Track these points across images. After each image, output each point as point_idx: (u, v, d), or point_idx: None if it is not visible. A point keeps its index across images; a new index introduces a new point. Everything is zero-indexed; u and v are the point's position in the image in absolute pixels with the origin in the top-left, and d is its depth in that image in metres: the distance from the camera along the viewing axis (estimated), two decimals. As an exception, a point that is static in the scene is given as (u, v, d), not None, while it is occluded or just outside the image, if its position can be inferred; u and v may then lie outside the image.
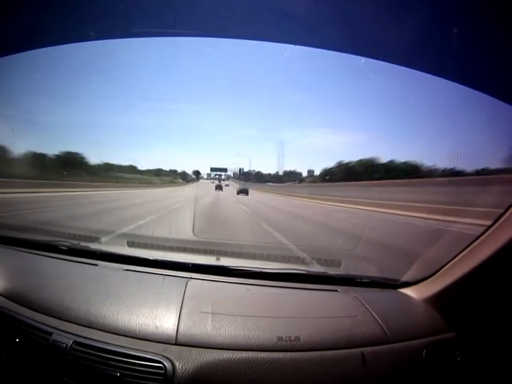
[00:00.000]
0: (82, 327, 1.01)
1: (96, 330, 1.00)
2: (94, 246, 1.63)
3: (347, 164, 19.84)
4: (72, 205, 9.48)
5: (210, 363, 0.91)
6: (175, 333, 0.97)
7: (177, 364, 0.89)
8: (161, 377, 0.88)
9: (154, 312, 1.05)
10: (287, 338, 0.98)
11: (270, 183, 24.74)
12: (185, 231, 5.05)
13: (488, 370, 1.04)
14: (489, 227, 1.03)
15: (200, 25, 1.39)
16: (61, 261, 1.43)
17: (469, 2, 1.07)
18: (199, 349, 0.94)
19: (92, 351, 0.93)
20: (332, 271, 1.46)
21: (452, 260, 1.14)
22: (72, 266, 1.39)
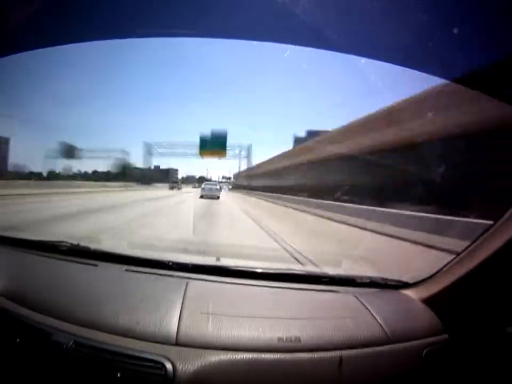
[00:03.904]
0: (83, 328, 1.01)
1: (96, 331, 0.99)
2: (94, 246, 1.62)
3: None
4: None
5: (210, 364, 0.91)
6: (176, 334, 0.97)
7: (177, 365, 0.89)
8: (161, 378, 0.88)
9: (154, 313, 1.05)
10: (288, 339, 0.98)
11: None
12: (185, 232, 5.07)
13: (488, 372, 1.04)
14: (489, 227, 1.03)
15: (199, 25, 1.39)
16: (61, 261, 1.43)
17: (469, 2, 1.07)
18: (200, 350, 0.94)
19: (92, 352, 0.93)
20: (332, 271, 1.46)
21: (452, 260, 1.14)
22: (72, 266, 1.39)
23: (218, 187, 15.81)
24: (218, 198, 14.37)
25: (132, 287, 1.25)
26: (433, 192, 7.42)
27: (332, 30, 1.32)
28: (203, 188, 15.32)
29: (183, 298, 1.12)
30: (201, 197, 14.40)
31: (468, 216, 5.11)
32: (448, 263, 1.16)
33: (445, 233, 5.00)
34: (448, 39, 1.20)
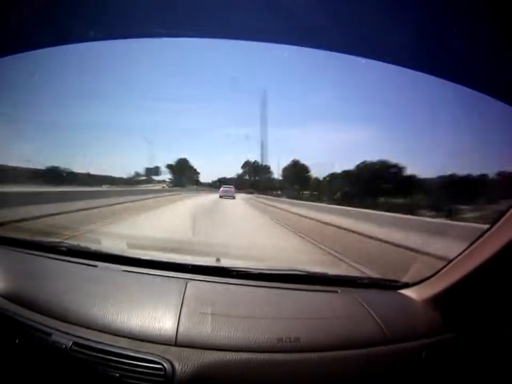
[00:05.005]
0: (82, 328, 1.00)
1: (95, 331, 0.99)
2: (93, 246, 1.62)
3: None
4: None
5: (210, 364, 0.91)
6: (175, 334, 0.97)
7: (176, 365, 0.89)
8: (161, 379, 0.87)
9: (154, 313, 1.05)
10: (287, 339, 0.97)
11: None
12: (185, 232, 5.06)
13: (488, 372, 1.04)
14: (489, 228, 1.02)
15: (199, 25, 1.39)
16: (61, 261, 1.43)
17: (469, 1, 1.07)
18: (199, 350, 0.94)
19: (91, 352, 0.93)
20: (332, 272, 1.46)
21: (452, 260, 1.14)
22: (71, 267, 1.39)
23: (233, 189, 17.14)
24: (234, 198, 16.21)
25: (131, 288, 1.25)
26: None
27: (332, 31, 1.32)
28: (221, 190, 16.61)
29: (183, 299, 1.11)
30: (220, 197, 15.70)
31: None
32: (447, 264, 1.16)
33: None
34: (448, 39, 1.20)
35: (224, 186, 17.35)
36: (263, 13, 1.31)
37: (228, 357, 0.92)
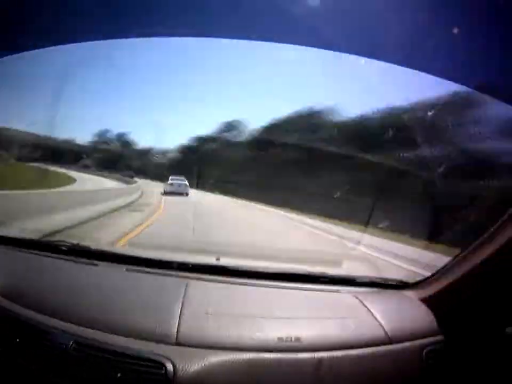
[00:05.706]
0: (83, 327, 1.00)
1: (96, 331, 0.99)
2: (94, 245, 1.62)
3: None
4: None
5: (210, 363, 0.91)
6: (176, 333, 0.97)
7: (177, 365, 0.89)
8: (161, 378, 0.87)
9: (155, 312, 1.05)
10: (288, 339, 0.98)
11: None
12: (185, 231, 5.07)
13: (487, 372, 1.04)
14: (489, 228, 1.03)
15: (197, 25, 1.39)
16: (62, 260, 1.43)
17: (469, 2, 1.07)
18: (200, 350, 0.94)
19: (92, 352, 0.93)
20: (332, 271, 1.46)
21: (452, 261, 1.15)
22: (72, 266, 1.39)
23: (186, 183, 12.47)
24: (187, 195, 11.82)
25: (132, 287, 1.25)
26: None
27: (332, 31, 1.32)
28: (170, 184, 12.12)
29: (183, 298, 1.12)
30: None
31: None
32: (447, 263, 1.16)
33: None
34: (448, 40, 1.20)
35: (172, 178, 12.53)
36: (262, 13, 1.31)
37: (228, 356, 0.92)
